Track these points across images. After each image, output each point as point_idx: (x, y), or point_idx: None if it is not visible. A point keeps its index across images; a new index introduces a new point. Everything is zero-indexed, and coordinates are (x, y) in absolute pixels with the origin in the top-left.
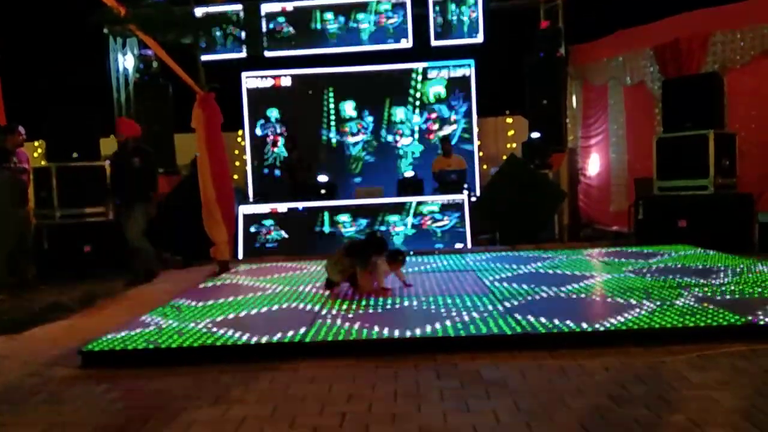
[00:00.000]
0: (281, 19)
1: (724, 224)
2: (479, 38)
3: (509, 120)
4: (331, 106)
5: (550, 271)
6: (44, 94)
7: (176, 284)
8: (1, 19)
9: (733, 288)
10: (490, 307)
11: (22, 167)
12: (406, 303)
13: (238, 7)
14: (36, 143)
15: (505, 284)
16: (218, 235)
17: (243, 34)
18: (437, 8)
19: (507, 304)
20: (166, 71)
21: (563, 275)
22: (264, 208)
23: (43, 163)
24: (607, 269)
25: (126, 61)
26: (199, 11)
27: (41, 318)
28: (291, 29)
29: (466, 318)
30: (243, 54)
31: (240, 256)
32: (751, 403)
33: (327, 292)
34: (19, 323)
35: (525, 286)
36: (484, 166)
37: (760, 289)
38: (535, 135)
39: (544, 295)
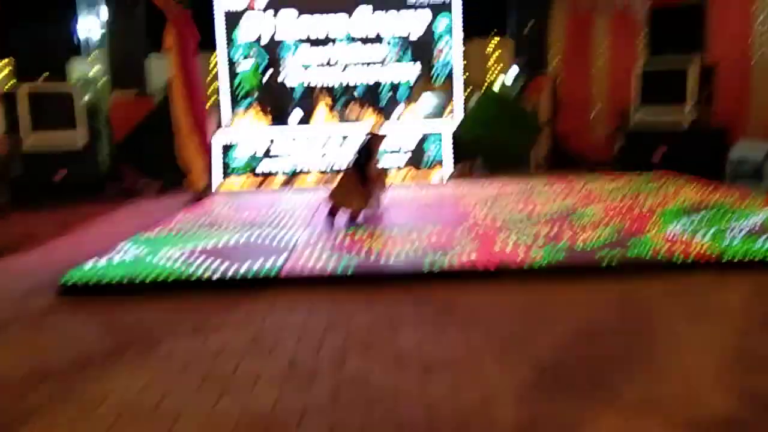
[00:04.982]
0: None
1: (698, 156)
2: None
3: (494, 42)
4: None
5: (529, 201)
6: (8, 10)
7: (151, 213)
8: None
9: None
10: (469, 237)
11: None
12: (383, 233)
13: None
14: (1, 63)
15: (483, 213)
16: (193, 163)
17: None
18: None
19: (482, 233)
20: None
21: (544, 204)
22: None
23: (12, 82)
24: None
25: None
26: None
27: (15, 247)
28: None
29: (442, 248)
30: None
31: (214, 185)
32: (724, 330)
33: (327, 218)
34: None
35: (502, 215)
36: (467, 91)
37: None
38: (516, 65)
39: (520, 224)
